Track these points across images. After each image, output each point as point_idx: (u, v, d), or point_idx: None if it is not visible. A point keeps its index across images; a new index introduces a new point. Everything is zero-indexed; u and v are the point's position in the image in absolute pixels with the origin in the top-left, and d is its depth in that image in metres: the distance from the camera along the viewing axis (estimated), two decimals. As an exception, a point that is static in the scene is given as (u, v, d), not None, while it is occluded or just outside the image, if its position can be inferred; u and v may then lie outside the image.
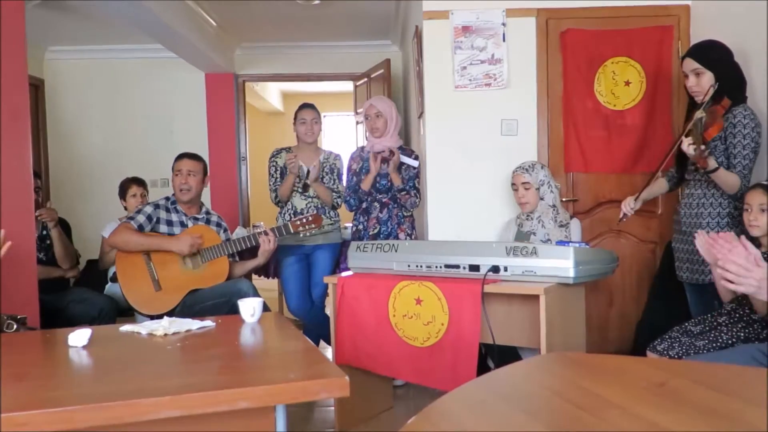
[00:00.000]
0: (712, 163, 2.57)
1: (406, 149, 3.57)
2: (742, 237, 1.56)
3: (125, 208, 3.98)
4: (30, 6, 4.44)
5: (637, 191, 3.60)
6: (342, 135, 9.34)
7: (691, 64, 2.71)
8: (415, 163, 3.46)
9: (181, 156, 3.31)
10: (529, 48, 3.57)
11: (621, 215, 2.86)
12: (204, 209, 3.35)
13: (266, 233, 3.18)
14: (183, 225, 3.22)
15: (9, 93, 2.68)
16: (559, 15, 3.56)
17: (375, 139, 3.49)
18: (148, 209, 3.18)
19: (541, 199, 3.05)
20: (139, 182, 4.04)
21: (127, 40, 5.64)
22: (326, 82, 7.14)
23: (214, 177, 6.12)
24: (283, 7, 4.91)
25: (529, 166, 3.10)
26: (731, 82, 2.65)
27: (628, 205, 2.83)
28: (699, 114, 2.63)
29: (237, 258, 3.34)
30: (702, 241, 2.14)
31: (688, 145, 2.58)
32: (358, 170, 3.54)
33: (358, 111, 6.03)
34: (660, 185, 2.99)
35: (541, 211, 3.04)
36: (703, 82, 2.69)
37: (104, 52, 6.00)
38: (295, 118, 3.65)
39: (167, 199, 3.28)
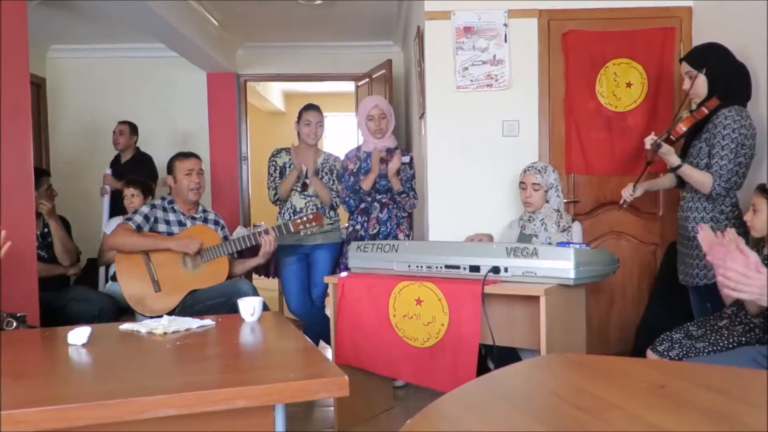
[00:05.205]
0: (673, 160, 2.61)
1: (399, 148, 3.56)
2: (740, 240, 1.53)
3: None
4: (32, 5, 4.44)
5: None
6: (343, 135, 9.34)
7: (684, 67, 2.74)
8: (406, 159, 3.44)
9: (188, 155, 3.27)
10: (530, 49, 3.56)
11: (621, 201, 2.89)
12: (201, 208, 3.33)
13: (267, 233, 3.16)
14: (181, 224, 3.20)
15: (10, 91, 2.68)
16: (561, 16, 3.56)
17: (375, 140, 3.48)
18: (145, 209, 3.17)
19: (547, 202, 3.03)
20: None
21: (129, 39, 5.65)
22: (328, 83, 7.14)
23: (216, 176, 6.14)
24: (285, 7, 4.92)
25: (542, 168, 3.04)
26: (726, 83, 2.65)
27: (627, 192, 2.86)
28: (684, 114, 2.68)
29: (236, 256, 3.33)
30: (703, 235, 1.96)
31: (647, 139, 2.63)
32: (355, 171, 3.50)
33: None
34: (669, 178, 2.97)
35: (545, 214, 3.01)
36: (696, 85, 2.69)
37: (106, 51, 6.01)
38: (299, 118, 3.62)
39: (163, 198, 3.26)
